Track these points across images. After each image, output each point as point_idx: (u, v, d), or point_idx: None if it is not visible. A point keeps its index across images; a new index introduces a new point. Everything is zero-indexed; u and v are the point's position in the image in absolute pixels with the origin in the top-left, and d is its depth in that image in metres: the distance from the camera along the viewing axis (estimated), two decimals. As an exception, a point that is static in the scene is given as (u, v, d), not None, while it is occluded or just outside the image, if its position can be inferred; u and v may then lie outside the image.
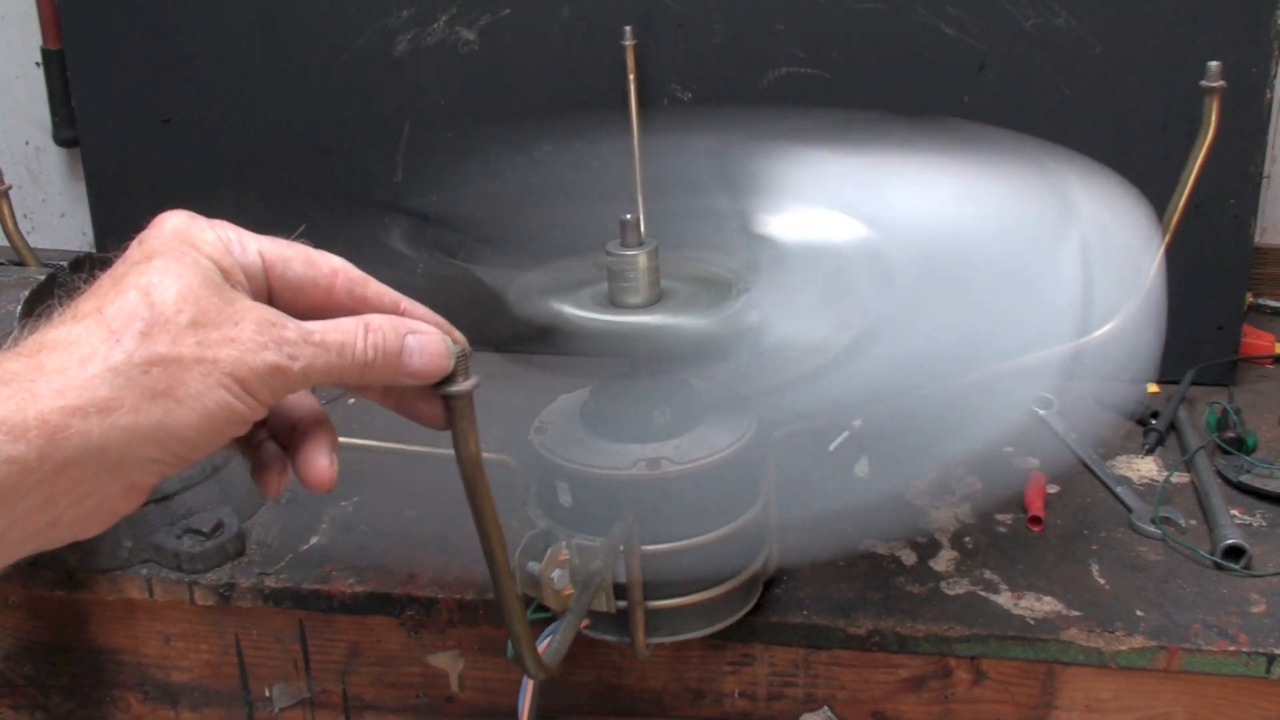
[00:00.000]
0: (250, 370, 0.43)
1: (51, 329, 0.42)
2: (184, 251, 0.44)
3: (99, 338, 0.41)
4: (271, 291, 0.48)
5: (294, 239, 0.49)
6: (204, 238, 0.46)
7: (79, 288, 0.45)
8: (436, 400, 0.50)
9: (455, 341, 0.50)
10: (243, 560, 0.89)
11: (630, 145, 1.08)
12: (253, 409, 0.44)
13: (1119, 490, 0.94)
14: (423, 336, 0.48)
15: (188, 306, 0.43)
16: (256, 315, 0.44)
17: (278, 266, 0.47)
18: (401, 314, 0.50)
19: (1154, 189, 0.74)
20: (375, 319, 0.47)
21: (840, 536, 0.87)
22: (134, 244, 0.46)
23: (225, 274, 0.45)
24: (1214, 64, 0.75)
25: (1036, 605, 0.81)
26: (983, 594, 0.82)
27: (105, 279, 0.44)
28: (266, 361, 0.44)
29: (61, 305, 0.44)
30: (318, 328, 0.46)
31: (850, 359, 0.68)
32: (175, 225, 0.46)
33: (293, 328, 0.45)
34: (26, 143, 1.47)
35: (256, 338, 0.43)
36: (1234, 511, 0.90)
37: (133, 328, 0.42)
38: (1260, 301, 1.25)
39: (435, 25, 1.15)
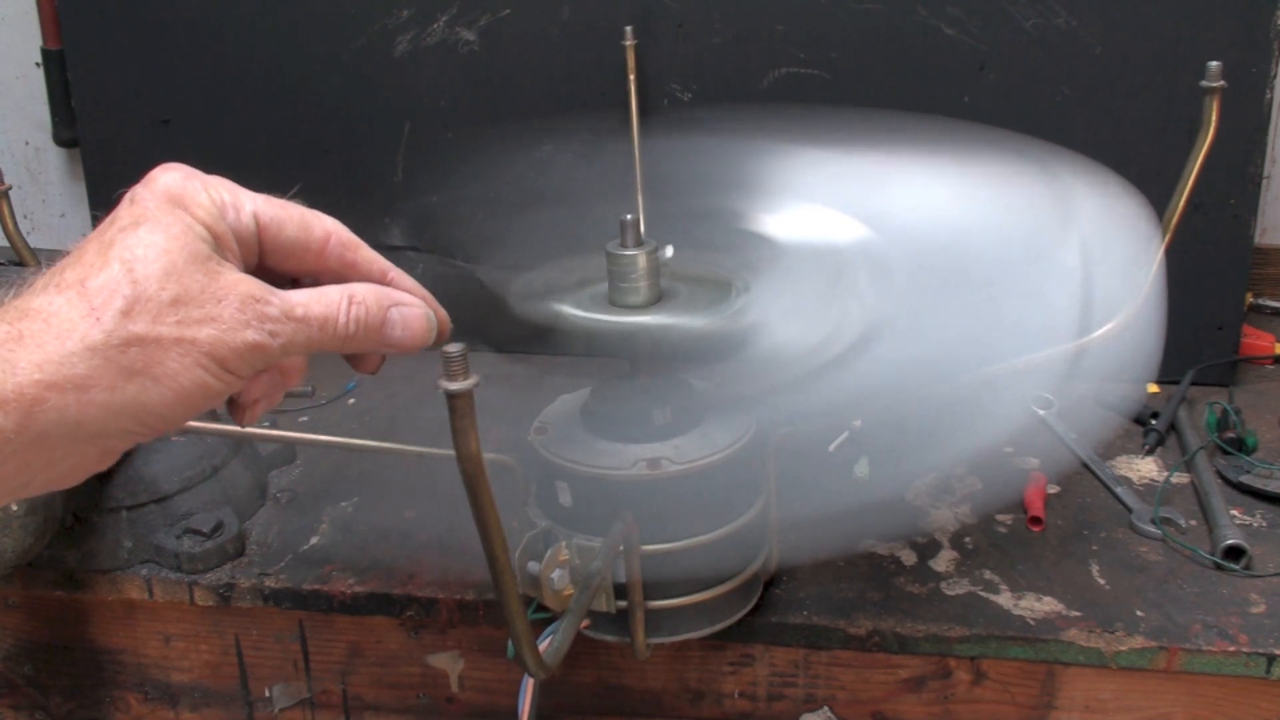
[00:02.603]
0: (229, 349, 0.43)
1: (35, 296, 0.42)
2: (174, 216, 0.44)
3: (79, 313, 0.42)
4: (263, 253, 0.48)
5: (289, 198, 0.49)
6: (198, 200, 0.45)
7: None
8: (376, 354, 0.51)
9: (438, 316, 0.50)
10: (243, 560, 0.89)
11: (630, 145, 1.08)
12: (230, 384, 0.44)
13: (1119, 490, 0.94)
14: (406, 309, 0.49)
15: (170, 284, 0.43)
16: (240, 291, 0.44)
17: (271, 229, 0.48)
18: (388, 283, 0.50)
19: (1154, 189, 0.73)
20: (360, 290, 0.48)
21: (840, 536, 0.87)
22: (125, 201, 0.45)
23: (216, 239, 0.45)
24: (1214, 64, 0.75)
25: (1036, 605, 0.81)
26: (983, 594, 0.82)
27: (92, 243, 0.44)
28: (246, 340, 0.44)
29: (47, 266, 0.44)
30: (301, 300, 0.46)
31: (850, 359, 0.68)
32: (168, 184, 0.45)
33: (276, 303, 0.45)
34: (26, 143, 1.47)
35: (238, 315, 0.44)
36: (1234, 512, 0.90)
37: (113, 305, 0.42)
38: (1260, 301, 1.25)
39: (435, 25, 1.15)
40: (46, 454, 0.42)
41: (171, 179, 0.46)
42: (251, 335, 0.44)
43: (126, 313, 0.42)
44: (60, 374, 0.41)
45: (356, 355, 0.52)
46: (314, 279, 0.50)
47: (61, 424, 0.41)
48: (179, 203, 0.45)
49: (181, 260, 0.43)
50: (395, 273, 0.51)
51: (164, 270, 0.43)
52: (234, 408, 0.50)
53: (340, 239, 0.49)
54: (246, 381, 0.46)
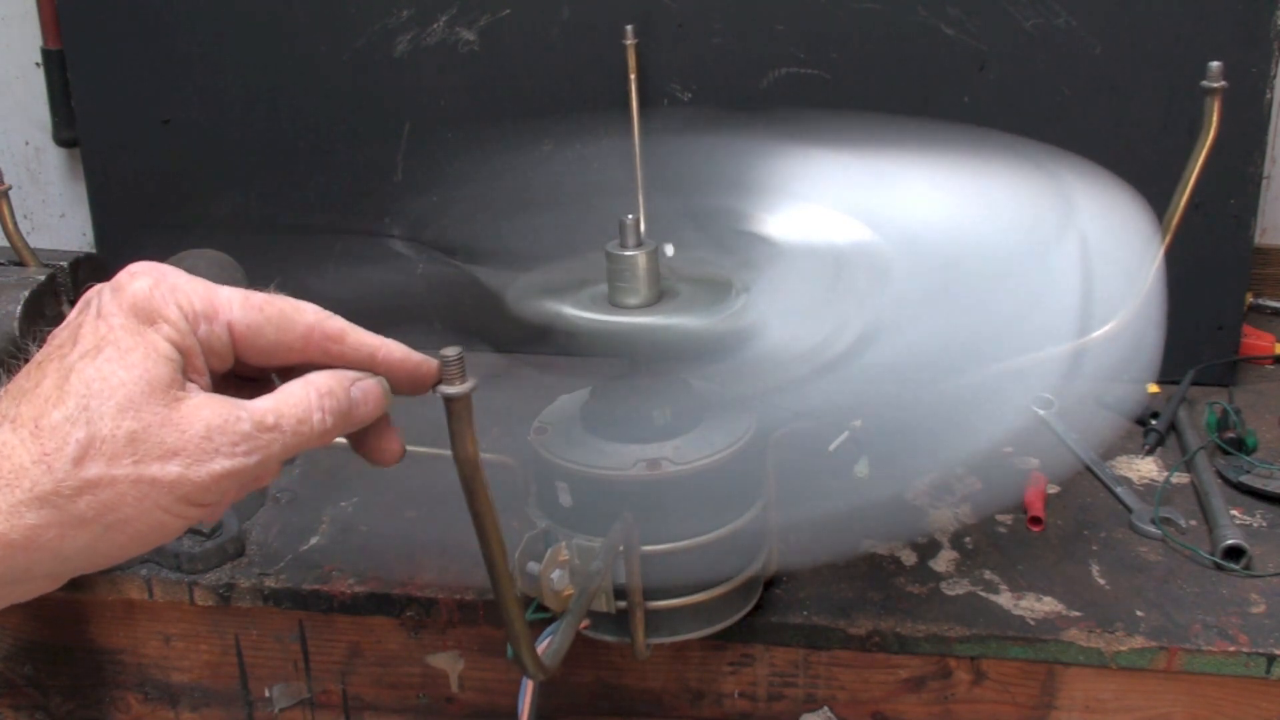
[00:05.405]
0: (194, 485, 0.42)
1: None
2: (136, 339, 0.42)
3: (31, 457, 0.40)
4: (238, 360, 0.46)
5: (270, 290, 0.47)
6: (166, 315, 0.43)
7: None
8: (385, 435, 0.50)
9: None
10: (243, 560, 0.89)
11: (630, 145, 1.08)
12: (195, 517, 0.43)
13: (1119, 490, 0.94)
14: (365, 383, 0.47)
15: (126, 419, 0.41)
16: (204, 417, 0.42)
17: (247, 338, 0.46)
18: (380, 361, 0.48)
19: (1154, 189, 0.73)
20: (322, 380, 0.46)
21: (840, 537, 0.87)
22: (91, 311, 0.43)
23: (184, 354, 0.43)
24: (1214, 64, 0.74)
25: (1036, 605, 0.81)
26: (983, 594, 0.82)
27: (52, 365, 0.42)
28: (213, 471, 0.42)
29: (12, 372, 0.42)
30: (270, 406, 0.44)
31: (850, 359, 0.68)
32: (135, 296, 0.43)
33: (245, 418, 0.43)
34: (26, 143, 1.46)
35: (204, 445, 0.42)
36: (1234, 512, 0.90)
37: (66, 451, 0.40)
38: (1260, 301, 1.25)
39: (435, 25, 1.15)
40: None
41: (140, 288, 0.43)
42: (221, 464, 0.42)
43: (79, 459, 0.40)
44: (8, 524, 0.40)
45: (369, 446, 0.50)
46: (298, 372, 0.47)
47: (10, 570, 0.40)
48: (145, 318, 0.43)
49: (139, 392, 0.41)
50: (384, 348, 0.48)
51: (119, 406, 0.41)
52: None
53: (324, 331, 0.47)
54: (225, 509, 0.45)
